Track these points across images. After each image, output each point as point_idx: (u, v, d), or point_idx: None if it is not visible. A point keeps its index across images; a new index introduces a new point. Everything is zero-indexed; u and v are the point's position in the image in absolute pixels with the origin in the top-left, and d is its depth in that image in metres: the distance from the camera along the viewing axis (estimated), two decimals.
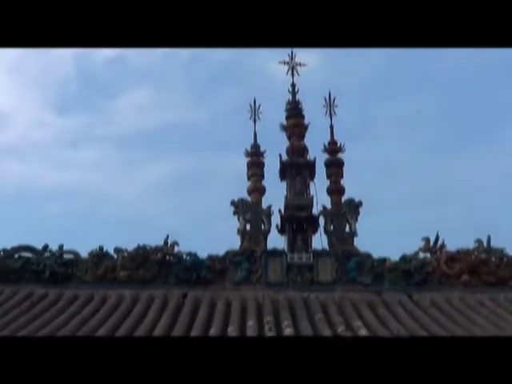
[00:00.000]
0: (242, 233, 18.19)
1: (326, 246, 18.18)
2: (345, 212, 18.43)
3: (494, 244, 18.17)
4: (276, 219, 18.44)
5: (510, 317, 15.35)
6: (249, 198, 18.71)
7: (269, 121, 20.52)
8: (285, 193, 18.87)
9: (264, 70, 38.47)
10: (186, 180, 41.95)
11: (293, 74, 20.36)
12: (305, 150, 19.39)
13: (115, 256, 17.75)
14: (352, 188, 19.18)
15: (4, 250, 17.61)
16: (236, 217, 18.37)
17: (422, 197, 37.81)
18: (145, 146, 44.66)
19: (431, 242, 18.09)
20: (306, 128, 19.67)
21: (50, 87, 46.10)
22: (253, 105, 19.94)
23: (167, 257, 17.72)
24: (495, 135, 42.08)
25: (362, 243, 18.31)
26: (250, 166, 19.22)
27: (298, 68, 20.37)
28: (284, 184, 19.11)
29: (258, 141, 19.69)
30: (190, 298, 16.51)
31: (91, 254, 17.70)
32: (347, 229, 18.35)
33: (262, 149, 19.53)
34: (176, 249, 17.84)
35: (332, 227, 18.32)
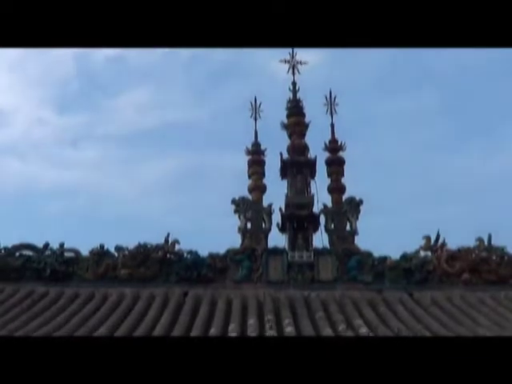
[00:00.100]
0: (243, 231, 18.19)
1: (327, 245, 18.19)
2: (345, 210, 18.42)
3: (495, 242, 18.19)
4: (277, 217, 18.48)
5: (510, 315, 15.35)
6: (249, 197, 18.71)
7: (269, 119, 20.55)
8: (285, 191, 18.89)
9: (265, 68, 38.43)
10: (187, 178, 42.00)
11: (293, 73, 20.36)
12: (305, 148, 19.38)
13: (116, 254, 17.77)
14: (353, 186, 19.21)
15: (5, 248, 17.63)
16: (237, 215, 18.37)
17: (422, 195, 37.79)
18: (145, 145, 44.71)
19: (432, 241, 18.10)
20: (306, 126, 19.66)
21: (51, 86, 46.11)
22: (253, 103, 19.95)
23: (168, 255, 17.74)
24: (496, 133, 42.12)
25: (362, 241, 18.35)
26: (250, 164, 19.21)
27: (299, 66, 20.37)
28: (285, 182, 19.13)
29: (258, 139, 19.69)
30: (190, 297, 16.52)
31: (92, 252, 17.71)
32: (348, 227, 18.35)
33: (262, 147, 19.52)
34: (177, 247, 17.87)
35: (333, 225, 18.32)
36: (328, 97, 20.00)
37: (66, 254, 17.71)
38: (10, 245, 17.69)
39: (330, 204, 18.65)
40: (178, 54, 41.71)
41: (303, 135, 19.58)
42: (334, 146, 19.41)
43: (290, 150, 19.31)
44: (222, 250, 17.93)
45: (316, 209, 18.46)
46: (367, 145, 37.80)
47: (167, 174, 42.56)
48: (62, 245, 17.78)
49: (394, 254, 18.01)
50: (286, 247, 18.06)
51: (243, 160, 19.36)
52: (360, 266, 17.68)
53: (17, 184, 42.59)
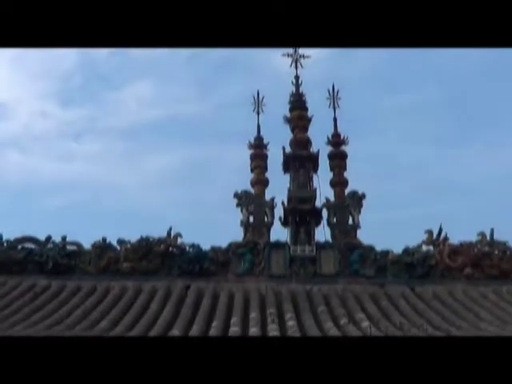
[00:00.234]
0: (245, 225, 18.22)
1: (329, 239, 18.23)
2: (348, 204, 18.45)
3: (497, 237, 18.24)
4: (279, 211, 18.52)
5: None
6: (252, 190, 18.74)
7: (272, 113, 20.58)
8: (288, 185, 18.91)
9: (267, 62, 38.47)
10: (190, 172, 42.03)
11: (296, 67, 20.37)
12: (308, 142, 19.40)
13: (118, 247, 17.82)
14: (355, 180, 19.25)
15: (7, 241, 17.67)
16: (239, 209, 18.40)
17: (425, 189, 37.81)
18: (148, 138, 44.76)
19: (434, 235, 18.11)
20: (309, 120, 19.68)
21: (53, 79, 46.17)
22: (256, 97, 19.99)
23: (170, 248, 17.78)
24: (499, 128, 42.03)
25: (364, 235, 18.40)
26: (253, 158, 19.22)
27: (302, 60, 20.38)
28: (287, 176, 19.15)
29: (261, 133, 19.71)
30: (192, 290, 16.56)
31: (94, 245, 17.76)
32: (350, 221, 18.38)
33: (265, 141, 19.53)
34: (179, 240, 17.91)
35: (335, 219, 18.34)
36: (331, 91, 20.06)
37: (68, 247, 17.77)
38: (12, 238, 17.76)
39: (332, 198, 18.68)
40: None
41: (306, 129, 19.59)
42: (336, 140, 19.41)
43: (292, 143, 19.33)
44: (224, 244, 18.01)
45: (318, 203, 18.53)
46: (370, 139, 37.82)
47: (170, 167, 42.65)
48: (64, 238, 17.83)
49: (397, 248, 18.10)
50: (289, 241, 18.10)
51: (246, 154, 19.44)
52: (362, 260, 17.71)
53: (19, 177, 42.75)
